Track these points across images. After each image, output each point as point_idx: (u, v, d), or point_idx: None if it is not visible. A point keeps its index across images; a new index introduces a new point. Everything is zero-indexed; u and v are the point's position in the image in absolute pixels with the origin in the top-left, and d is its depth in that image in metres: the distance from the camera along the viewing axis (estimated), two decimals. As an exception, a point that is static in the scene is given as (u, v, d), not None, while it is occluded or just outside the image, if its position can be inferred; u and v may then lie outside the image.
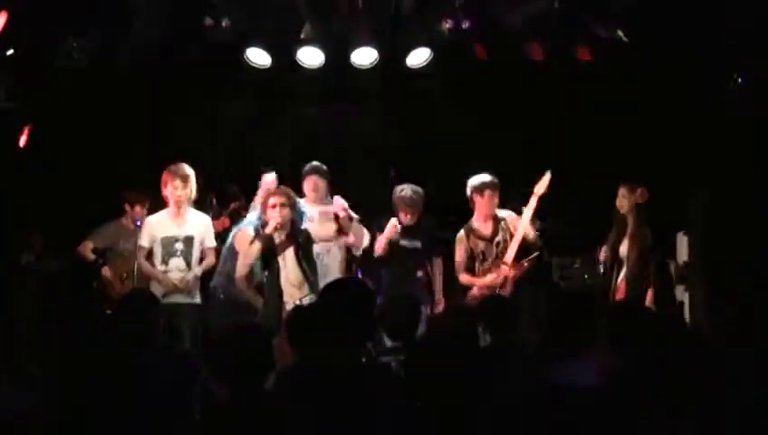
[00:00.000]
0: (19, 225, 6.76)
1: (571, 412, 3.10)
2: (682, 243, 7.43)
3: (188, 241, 6.63)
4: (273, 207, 6.36)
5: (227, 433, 3.45)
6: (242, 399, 3.52)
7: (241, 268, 6.40)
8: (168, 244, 6.59)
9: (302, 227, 6.46)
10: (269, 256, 6.33)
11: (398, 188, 6.99)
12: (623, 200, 6.98)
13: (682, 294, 7.44)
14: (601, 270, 7.06)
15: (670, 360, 2.98)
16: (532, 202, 6.92)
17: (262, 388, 3.59)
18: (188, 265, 6.58)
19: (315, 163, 6.90)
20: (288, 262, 6.37)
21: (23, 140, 7.13)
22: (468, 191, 7.00)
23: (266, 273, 6.37)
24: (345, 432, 3.30)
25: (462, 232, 7.02)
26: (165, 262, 6.59)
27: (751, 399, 3.10)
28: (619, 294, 6.84)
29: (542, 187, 6.93)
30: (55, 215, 7.38)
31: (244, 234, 6.51)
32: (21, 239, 5.81)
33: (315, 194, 6.85)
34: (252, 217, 6.61)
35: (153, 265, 6.59)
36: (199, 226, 6.72)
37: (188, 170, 6.62)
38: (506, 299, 6.27)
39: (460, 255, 6.98)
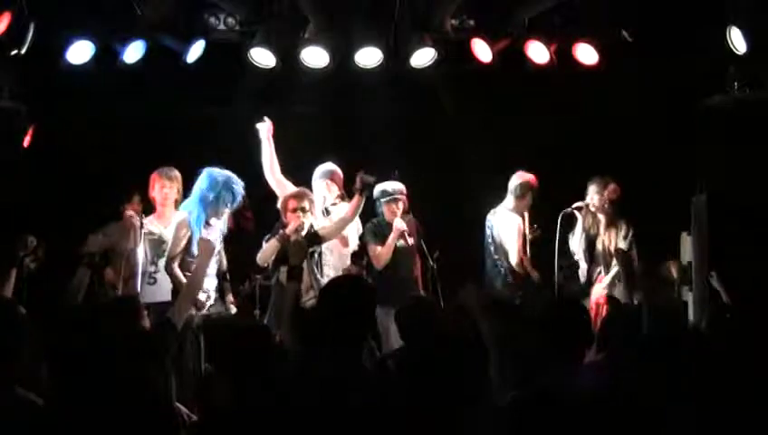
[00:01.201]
0: (21, 225, 6.75)
1: (571, 414, 3.09)
2: (686, 243, 7.41)
3: None
4: (294, 210, 6.53)
5: (228, 432, 3.46)
6: (243, 398, 3.51)
7: (173, 250, 6.50)
8: (155, 245, 6.63)
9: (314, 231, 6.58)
10: (284, 256, 6.39)
11: (390, 185, 7.07)
12: (595, 197, 7.03)
13: (686, 294, 7.43)
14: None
15: (670, 360, 2.97)
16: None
17: (264, 387, 3.58)
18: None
19: (329, 166, 7.02)
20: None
21: (27, 140, 7.13)
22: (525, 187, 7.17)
23: (278, 272, 6.45)
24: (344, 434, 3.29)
25: (521, 220, 7.19)
26: (154, 262, 6.64)
27: (751, 398, 3.09)
28: (599, 293, 6.90)
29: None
30: (56, 215, 7.38)
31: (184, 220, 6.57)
32: (21, 239, 5.82)
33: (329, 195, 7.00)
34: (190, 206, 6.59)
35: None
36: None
37: (176, 172, 6.72)
38: (506, 300, 6.30)
39: (521, 241, 7.20)
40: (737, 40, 6.70)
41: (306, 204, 6.59)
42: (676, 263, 7.47)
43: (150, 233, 6.65)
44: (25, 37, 6.69)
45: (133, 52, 7.11)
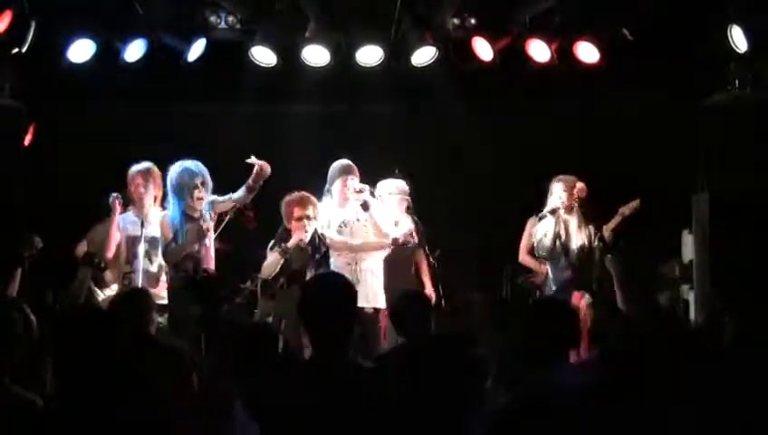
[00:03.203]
0: (21, 223, 6.74)
1: (570, 413, 3.09)
2: (687, 242, 7.42)
3: (152, 241, 6.53)
4: (299, 219, 6.38)
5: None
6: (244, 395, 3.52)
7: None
8: (131, 243, 6.54)
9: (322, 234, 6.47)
10: (286, 268, 6.37)
11: (391, 183, 7.04)
12: (563, 196, 6.96)
13: (687, 293, 7.45)
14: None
15: (669, 359, 2.97)
16: (617, 219, 7.04)
17: (265, 385, 3.57)
18: (152, 265, 6.51)
19: (345, 162, 6.84)
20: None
21: (27, 139, 7.12)
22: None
23: (282, 281, 6.42)
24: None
25: (533, 218, 7.18)
26: (129, 262, 6.55)
27: (751, 399, 3.09)
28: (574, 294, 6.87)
29: (629, 209, 7.00)
30: (56, 213, 7.38)
31: (163, 222, 6.40)
32: (26, 239, 5.83)
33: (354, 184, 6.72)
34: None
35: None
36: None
37: (152, 170, 6.60)
38: (504, 300, 6.30)
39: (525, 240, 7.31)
40: (738, 38, 6.71)
41: (310, 211, 6.45)
42: (678, 262, 7.49)
43: (128, 232, 6.57)
44: (26, 36, 6.68)
45: (134, 50, 7.10)
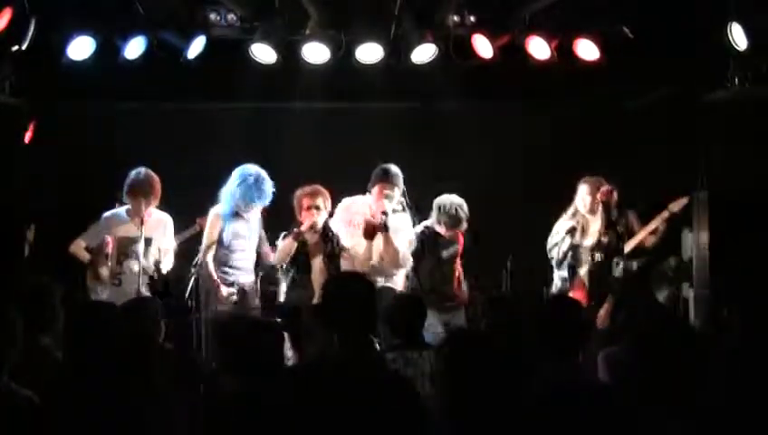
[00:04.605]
0: (22, 219, 6.75)
1: (573, 411, 3.10)
2: (687, 240, 7.42)
3: (147, 242, 6.47)
4: (309, 208, 6.51)
5: (230, 428, 3.46)
6: (248, 394, 3.52)
7: (207, 243, 6.53)
8: (124, 245, 6.49)
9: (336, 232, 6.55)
10: (300, 255, 6.49)
11: (445, 203, 6.94)
12: (587, 198, 6.94)
13: (686, 290, 7.45)
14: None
15: (670, 358, 2.97)
16: (664, 215, 6.94)
17: (268, 384, 3.58)
18: (144, 267, 6.43)
19: (391, 168, 6.77)
20: (316, 265, 6.43)
21: (28, 136, 7.11)
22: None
23: (294, 271, 6.52)
24: (349, 431, 3.29)
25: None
26: (120, 262, 6.50)
27: (752, 399, 3.10)
28: (578, 292, 6.85)
29: (677, 205, 6.95)
30: (57, 210, 7.39)
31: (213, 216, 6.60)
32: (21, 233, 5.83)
33: (383, 202, 6.67)
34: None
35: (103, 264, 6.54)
36: (158, 227, 6.60)
37: (147, 187, 6.52)
38: (504, 299, 6.31)
39: None
40: (738, 36, 6.71)
41: (320, 201, 6.55)
42: (678, 259, 7.48)
43: (121, 232, 6.53)
44: (26, 33, 6.68)
45: (134, 48, 7.10)
